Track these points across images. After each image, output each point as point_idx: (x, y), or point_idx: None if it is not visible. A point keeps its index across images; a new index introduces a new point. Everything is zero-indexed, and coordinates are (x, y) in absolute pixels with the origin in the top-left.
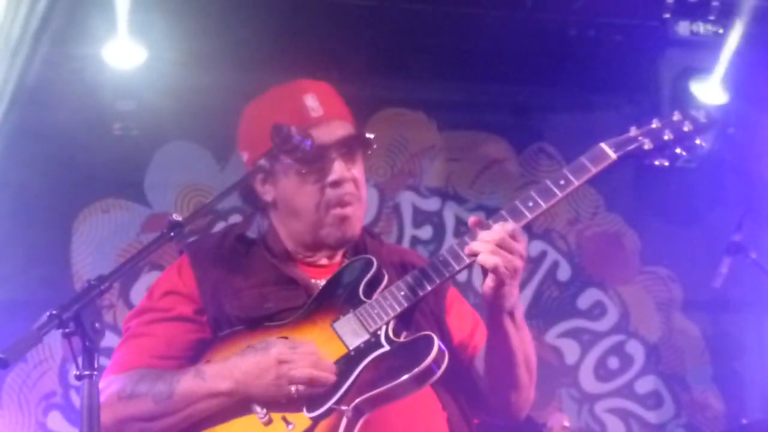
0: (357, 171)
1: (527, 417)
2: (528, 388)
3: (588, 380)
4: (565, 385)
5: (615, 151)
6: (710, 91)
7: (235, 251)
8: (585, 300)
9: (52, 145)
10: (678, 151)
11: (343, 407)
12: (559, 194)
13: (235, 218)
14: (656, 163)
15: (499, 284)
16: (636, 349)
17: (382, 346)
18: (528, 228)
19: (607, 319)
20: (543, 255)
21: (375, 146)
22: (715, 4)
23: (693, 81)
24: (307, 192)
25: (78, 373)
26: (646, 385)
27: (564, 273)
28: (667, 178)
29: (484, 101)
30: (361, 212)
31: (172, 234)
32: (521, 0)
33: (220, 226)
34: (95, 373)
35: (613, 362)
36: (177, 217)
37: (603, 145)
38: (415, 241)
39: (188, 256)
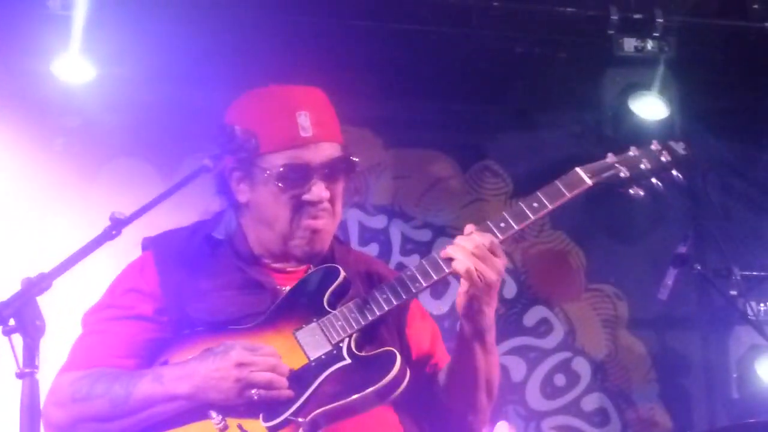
0: (336, 190)
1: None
2: (486, 411)
3: (534, 397)
4: (511, 402)
5: (591, 178)
6: (650, 106)
7: (201, 252)
8: (531, 317)
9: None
10: (654, 181)
11: (300, 419)
12: (532, 217)
13: None
14: (631, 192)
15: (472, 297)
16: (582, 367)
17: (343, 359)
18: None
19: (553, 336)
20: None
21: (358, 168)
22: (659, 21)
23: (632, 97)
24: (282, 203)
25: (19, 371)
26: (592, 402)
27: (510, 290)
28: (613, 195)
29: (430, 119)
30: (332, 227)
31: (113, 232)
32: (467, 17)
33: None
34: (36, 370)
35: (560, 379)
36: (120, 215)
37: (579, 170)
38: None
39: (153, 254)
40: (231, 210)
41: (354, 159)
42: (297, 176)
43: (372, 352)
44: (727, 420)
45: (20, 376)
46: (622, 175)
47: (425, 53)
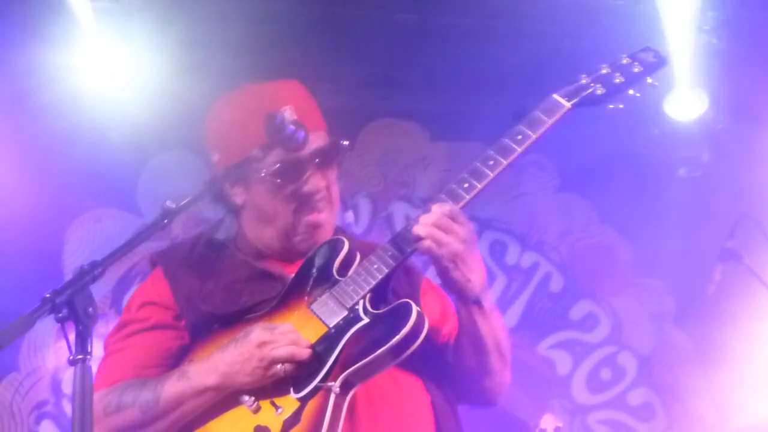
0: (331, 177)
1: (519, 421)
2: (501, 373)
3: (580, 391)
4: (557, 396)
5: (568, 100)
6: (690, 101)
7: (205, 255)
8: (577, 311)
9: (45, 154)
10: (631, 92)
11: (330, 383)
12: (518, 149)
13: None
14: (611, 106)
15: (445, 269)
16: (628, 361)
17: (361, 319)
18: (521, 239)
19: (600, 330)
20: (535, 266)
21: (350, 151)
22: (710, 14)
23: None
24: (280, 200)
25: (71, 357)
26: (638, 396)
27: (556, 284)
28: (662, 189)
29: (477, 111)
30: (333, 218)
31: (165, 221)
32: (513, 10)
33: None
34: (88, 356)
35: (606, 374)
36: (171, 204)
37: (555, 95)
38: None
39: (161, 266)
40: (230, 214)
41: (344, 143)
42: (293, 171)
43: (388, 308)
44: None
45: (72, 362)
46: (598, 92)
47: (472, 46)
